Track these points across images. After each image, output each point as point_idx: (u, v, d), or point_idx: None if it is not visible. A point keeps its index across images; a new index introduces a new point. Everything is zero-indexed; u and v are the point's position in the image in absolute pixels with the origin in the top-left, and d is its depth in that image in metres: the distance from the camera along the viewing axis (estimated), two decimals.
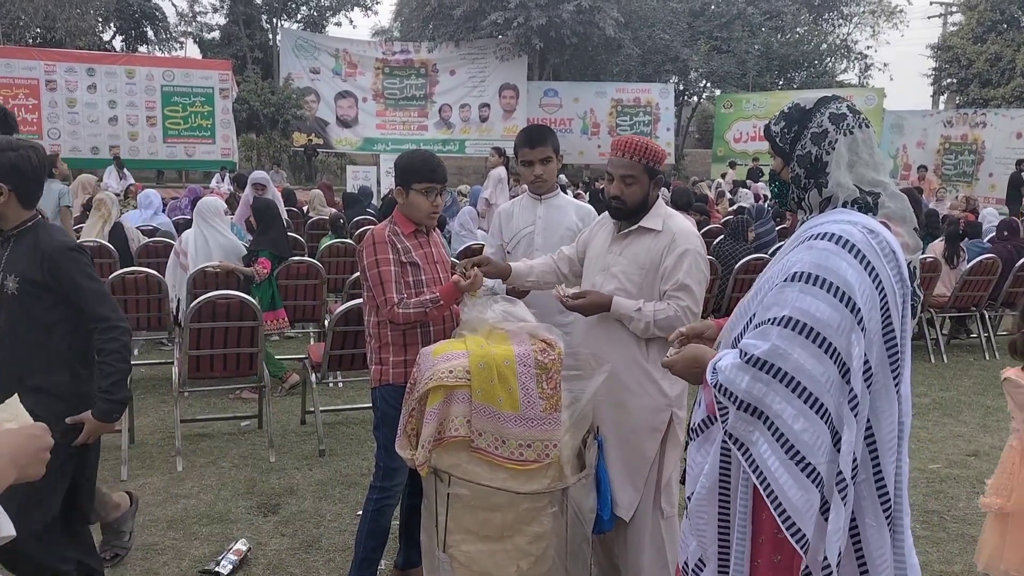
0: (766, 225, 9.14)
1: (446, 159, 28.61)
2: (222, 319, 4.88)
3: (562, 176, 20.52)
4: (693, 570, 2.13)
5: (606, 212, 3.26)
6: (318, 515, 4.15)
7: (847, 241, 1.85)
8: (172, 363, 5.70)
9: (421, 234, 3.29)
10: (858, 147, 2.00)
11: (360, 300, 4.33)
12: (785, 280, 1.87)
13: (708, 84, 33.14)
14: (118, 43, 31.00)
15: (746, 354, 1.86)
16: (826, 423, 1.81)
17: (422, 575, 3.31)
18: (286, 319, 6.32)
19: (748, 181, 18.34)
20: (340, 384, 6.30)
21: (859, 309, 1.80)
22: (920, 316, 7.76)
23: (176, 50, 32.33)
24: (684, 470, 2.29)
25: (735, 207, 12.93)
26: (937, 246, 7.98)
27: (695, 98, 34.64)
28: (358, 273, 3.52)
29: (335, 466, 4.79)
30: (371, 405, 3.33)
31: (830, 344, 1.79)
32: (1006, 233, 8.33)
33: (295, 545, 3.83)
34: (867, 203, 1.98)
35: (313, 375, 5.22)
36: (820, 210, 2.03)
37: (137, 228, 8.35)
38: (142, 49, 30.85)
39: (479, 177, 24.28)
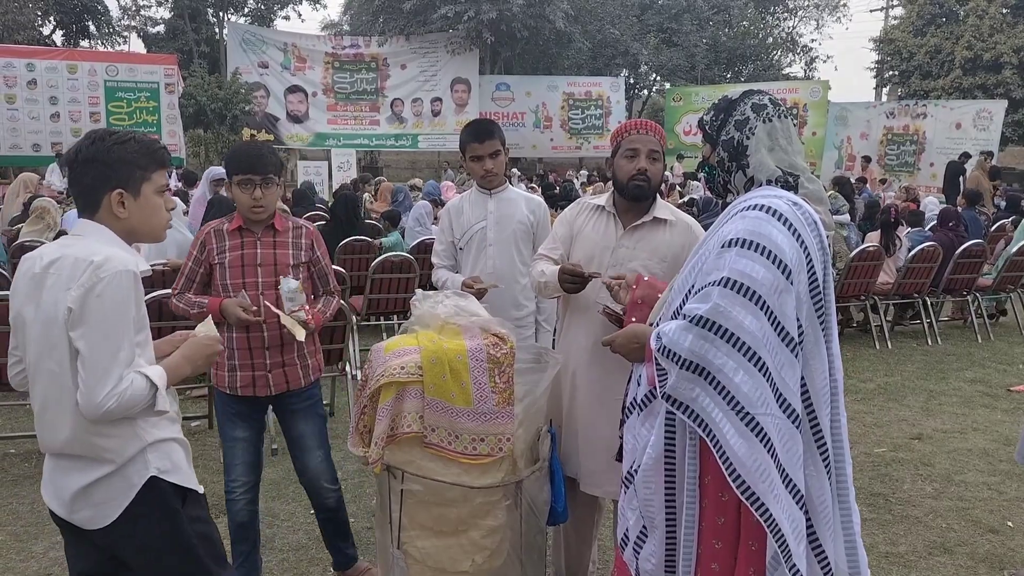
0: (714, 217, 9.23)
1: (399, 154, 28.15)
2: (169, 318, 4.78)
3: (515, 170, 20.56)
4: (635, 541, 2.18)
5: (579, 202, 3.16)
6: (271, 515, 4.10)
7: (775, 211, 2.00)
8: None
9: (248, 232, 3.06)
10: (776, 134, 2.15)
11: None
12: (722, 247, 1.99)
13: (658, 77, 33.51)
14: (59, 38, 30.19)
15: (689, 316, 1.97)
16: (765, 377, 1.92)
17: (360, 571, 3.37)
18: None
19: (699, 174, 18.46)
20: None
21: (790, 270, 1.95)
22: (864, 303, 7.95)
23: (119, 45, 31.65)
24: (620, 447, 2.32)
25: (685, 199, 13.06)
26: (875, 235, 8.15)
27: (645, 91, 34.96)
28: None
29: (287, 465, 4.67)
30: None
31: (765, 302, 1.92)
32: (951, 224, 8.54)
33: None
34: (788, 182, 2.13)
35: None
36: (745, 191, 2.17)
37: None
38: (84, 44, 30.10)
39: (432, 172, 24.20)
